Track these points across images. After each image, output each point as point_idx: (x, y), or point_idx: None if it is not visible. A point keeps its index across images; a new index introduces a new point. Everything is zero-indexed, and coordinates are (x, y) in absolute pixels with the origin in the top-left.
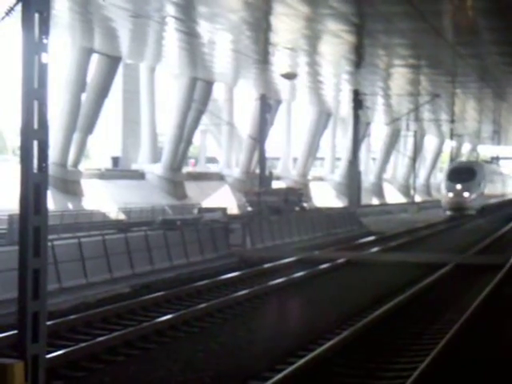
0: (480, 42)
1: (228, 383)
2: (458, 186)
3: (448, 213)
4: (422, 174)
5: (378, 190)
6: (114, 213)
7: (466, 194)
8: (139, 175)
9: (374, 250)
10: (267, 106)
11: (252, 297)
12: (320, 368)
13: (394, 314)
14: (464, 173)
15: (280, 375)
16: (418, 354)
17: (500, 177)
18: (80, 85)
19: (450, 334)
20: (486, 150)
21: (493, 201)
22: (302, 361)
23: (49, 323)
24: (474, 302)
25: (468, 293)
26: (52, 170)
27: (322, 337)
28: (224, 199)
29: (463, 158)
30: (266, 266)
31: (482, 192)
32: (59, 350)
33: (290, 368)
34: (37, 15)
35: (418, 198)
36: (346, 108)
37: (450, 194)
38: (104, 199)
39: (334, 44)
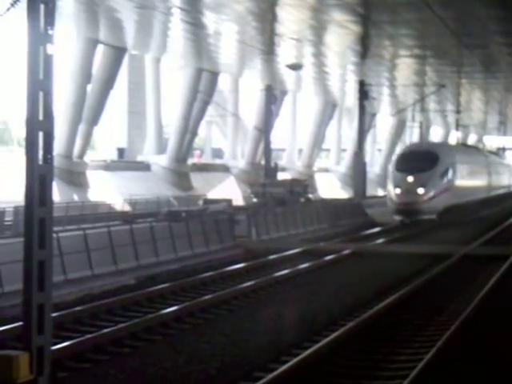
0: (486, 32)
1: (233, 375)
2: (410, 179)
3: (397, 217)
4: None
5: (384, 181)
6: (120, 204)
7: (420, 190)
8: (144, 166)
9: (380, 241)
10: (273, 97)
11: (257, 288)
12: (321, 363)
13: (398, 305)
14: (420, 159)
15: (284, 367)
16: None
17: (492, 166)
18: (85, 76)
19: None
20: (491, 141)
21: (471, 198)
22: (305, 353)
23: (54, 315)
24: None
25: (475, 281)
26: (57, 161)
27: (327, 328)
28: (229, 190)
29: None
30: (271, 257)
31: (450, 187)
32: (64, 341)
33: (294, 360)
34: (42, 6)
35: None
36: (351, 99)
37: (397, 191)
38: (109, 191)
39: (340, 34)
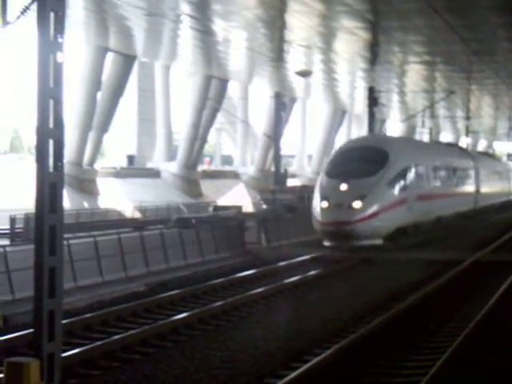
0: (495, 38)
1: (244, 381)
2: (343, 187)
3: (326, 243)
4: None
5: None
6: (130, 211)
7: (356, 204)
8: (154, 173)
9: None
10: (282, 104)
11: (268, 295)
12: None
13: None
14: (361, 160)
15: (294, 373)
16: None
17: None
18: (95, 83)
19: None
20: (501, 147)
21: (445, 213)
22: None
23: (64, 322)
24: None
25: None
26: (68, 168)
27: (336, 334)
28: (239, 197)
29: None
30: (282, 263)
31: (407, 198)
32: (75, 348)
33: (304, 367)
34: (52, 14)
35: None
36: (361, 105)
37: (324, 204)
38: (119, 197)
39: (349, 41)
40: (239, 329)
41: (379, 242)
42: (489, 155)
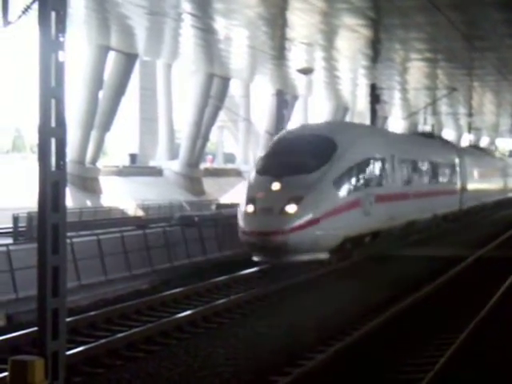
0: (497, 35)
1: (248, 379)
2: (275, 187)
3: (256, 258)
4: None
5: None
6: (132, 209)
7: (290, 209)
8: (157, 172)
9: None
10: (284, 102)
11: (271, 292)
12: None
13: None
14: (300, 153)
15: (298, 370)
16: None
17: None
18: (97, 82)
19: None
20: (504, 143)
21: (415, 218)
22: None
23: (68, 320)
24: None
25: None
26: (70, 167)
27: (341, 331)
28: (241, 195)
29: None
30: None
31: (360, 200)
32: (79, 346)
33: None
34: (53, 14)
35: None
36: (363, 102)
37: (250, 209)
38: (122, 196)
39: (351, 39)
40: (243, 326)
41: (323, 256)
42: (480, 149)
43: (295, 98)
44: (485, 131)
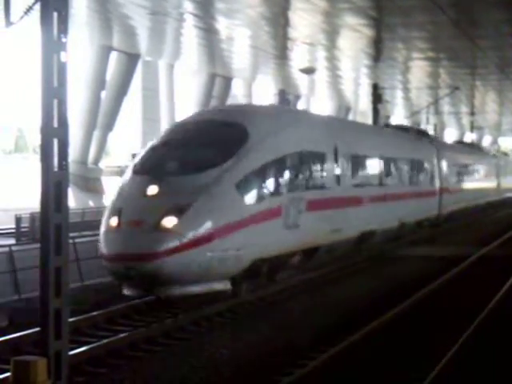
0: (499, 34)
1: (250, 379)
2: (152, 190)
3: (125, 291)
4: None
5: None
6: None
7: (167, 222)
8: None
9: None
10: (286, 102)
11: (273, 293)
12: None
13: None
14: (196, 144)
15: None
16: None
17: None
18: (99, 83)
19: None
20: (507, 142)
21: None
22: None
23: (71, 320)
24: None
25: None
26: (72, 167)
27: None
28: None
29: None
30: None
31: (282, 207)
32: (82, 346)
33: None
34: (55, 14)
35: None
36: (365, 102)
37: (113, 222)
38: None
39: (353, 38)
40: (245, 327)
41: (221, 286)
42: (468, 145)
43: (297, 97)
44: (487, 130)
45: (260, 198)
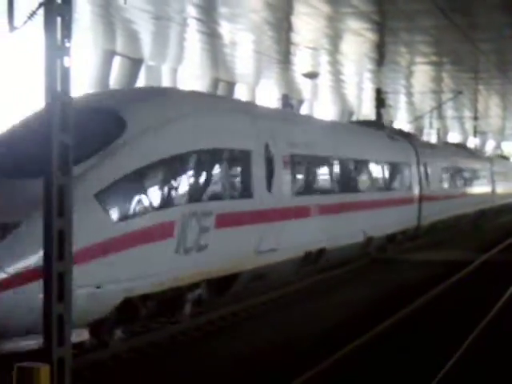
0: (502, 38)
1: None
2: None
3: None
4: None
5: None
6: None
7: None
8: None
9: None
10: (289, 106)
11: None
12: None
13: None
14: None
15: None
16: None
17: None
18: (103, 87)
19: None
20: (510, 147)
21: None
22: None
23: None
24: None
25: None
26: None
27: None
28: None
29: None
30: None
31: (176, 223)
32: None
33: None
34: (59, 19)
35: None
36: (368, 106)
37: None
38: None
39: (356, 43)
40: (246, 330)
41: (73, 337)
42: (457, 147)
43: (301, 102)
44: (491, 134)
45: (137, 212)
